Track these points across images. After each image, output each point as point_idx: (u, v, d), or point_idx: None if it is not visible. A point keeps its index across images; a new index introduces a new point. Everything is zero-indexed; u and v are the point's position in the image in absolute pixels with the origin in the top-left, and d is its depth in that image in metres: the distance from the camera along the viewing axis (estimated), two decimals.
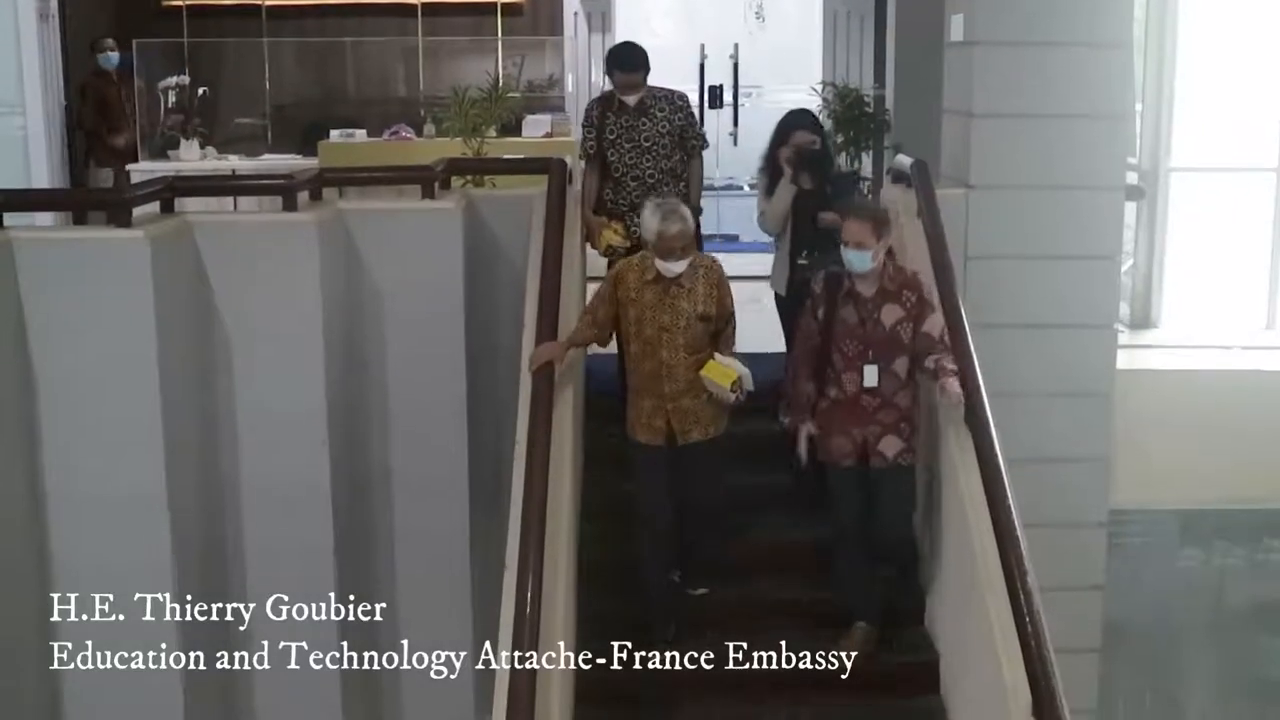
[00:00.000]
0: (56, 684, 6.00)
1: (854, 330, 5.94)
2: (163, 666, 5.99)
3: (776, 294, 7.17)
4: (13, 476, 5.72)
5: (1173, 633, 9.18)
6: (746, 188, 14.29)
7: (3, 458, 5.62)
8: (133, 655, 5.97)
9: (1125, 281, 8.68)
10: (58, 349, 5.78)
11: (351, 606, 6.62)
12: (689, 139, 7.30)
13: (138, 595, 5.94)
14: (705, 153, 7.52)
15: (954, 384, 5.80)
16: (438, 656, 6.90)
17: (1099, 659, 7.89)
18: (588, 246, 7.37)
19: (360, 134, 12.33)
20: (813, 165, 6.85)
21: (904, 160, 7.46)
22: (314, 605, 6.44)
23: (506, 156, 9.39)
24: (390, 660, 6.99)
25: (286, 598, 6.45)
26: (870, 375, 5.92)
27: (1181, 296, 9.30)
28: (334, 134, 12.21)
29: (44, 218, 8.22)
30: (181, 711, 6.04)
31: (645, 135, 7.16)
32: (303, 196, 6.54)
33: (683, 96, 7.39)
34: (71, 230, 6.63)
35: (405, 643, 6.97)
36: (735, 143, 15.35)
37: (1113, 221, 7.46)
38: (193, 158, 12.02)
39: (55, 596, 5.94)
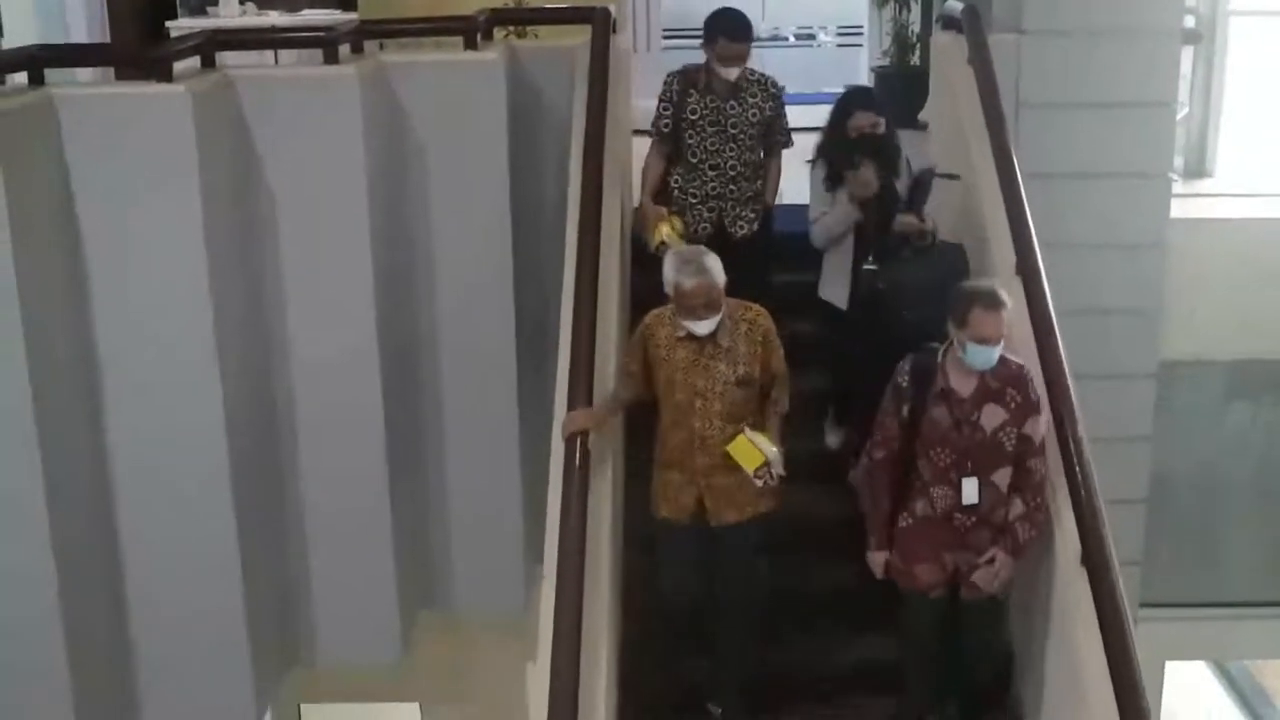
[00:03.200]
0: (115, 544, 6.08)
1: (947, 435, 5.04)
2: (217, 527, 6.07)
3: (831, 307, 6.27)
4: (64, 341, 5.72)
5: (1219, 486, 9.16)
6: (792, 38, 14.03)
7: (53, 321, 5.62)
8: (187, 516, 6.06)
9: (1179, 131, 8.51)
10: (102, 207, 5.73)
11: (400, 467, 6.68)
12: (775, 133, 6.50)
13: (189, 457, 5.99)
14: None
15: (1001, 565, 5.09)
16: (486, 516, 7.00)
17: (1145, 510, 7.91)
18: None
19: None
20: (877, 153, 6.02)
21: (955, 5, 7.31)
22: (363, 466, 6.51)
23: (549, 6, 9.21)
24: (440, 521, 7.10)
25: (335, 459, 6.52)
26: (970, 490, 5.04)
27: (1237, 145, 9.12)
28: None
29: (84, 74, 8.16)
30: (239, 573, 6.13)
31: (733, 120, 6.37)
32: (344, 50, 6.45)
33: (776, 84, 6.55)
34: (113, 86, 6.59)
35: (454, 503, 7.07)
36: None
37: (1168, 67, 7.29)
38: (231, 13, 11.89)
39: (108, 461, 6.00)
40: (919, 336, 5.39)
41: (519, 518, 6.96)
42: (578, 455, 5.05)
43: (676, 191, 6.47)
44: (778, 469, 5.14)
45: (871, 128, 6.03)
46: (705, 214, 6.43)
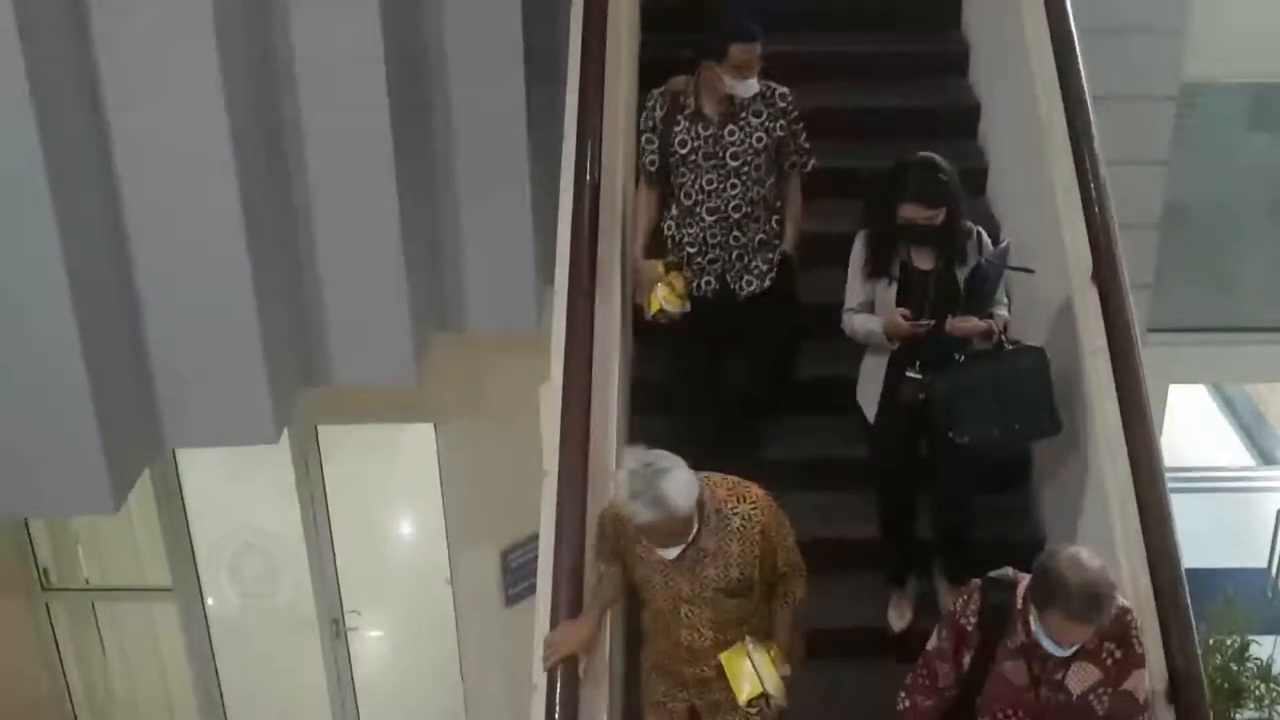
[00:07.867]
0: (128, 261, 6.05)
1: (1020, 696, 3.95)
2: (229, 244, 6.01)
3: (862, 416, 5.18)
4: (63, 53, 5.59)
5: (1234, 213, 9.14)
6: None
7: (53, 28, 5.48)
8: (198, 231, 6.01)
9: None
10: None
11: (410, 185, 6.64)
12: (789, 153, 5.33)
13: (198, 170, 5.92)
14: None
15: None
16: (498, 233, 7.00)
17: (1158, 235, 7.92)
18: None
19: None
20: (936, 243, 4.91)
21: None
22: (372, 185, 6.47)
23: None
24: (451, 240, 7.09)
25: (345, 178, 6.47)
26: None
27: None
28: None
29: None
30: (251, 291, 6.10)
31: (733, 151, 5.20)
32: None
33: (785, 95, 5.27)
34: None
35: (465, 221, 7.05)
36: None
37: None
38: None
39: (115, 179, 5.93)
40: (971, 468, 4.96)
41: (529, 233, 6.95)
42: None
43: (671, 242, 5.40)
44: (779, 701, 4.26)
45: (926, 221, 4.83)
46: (706, 268, 5.36)
